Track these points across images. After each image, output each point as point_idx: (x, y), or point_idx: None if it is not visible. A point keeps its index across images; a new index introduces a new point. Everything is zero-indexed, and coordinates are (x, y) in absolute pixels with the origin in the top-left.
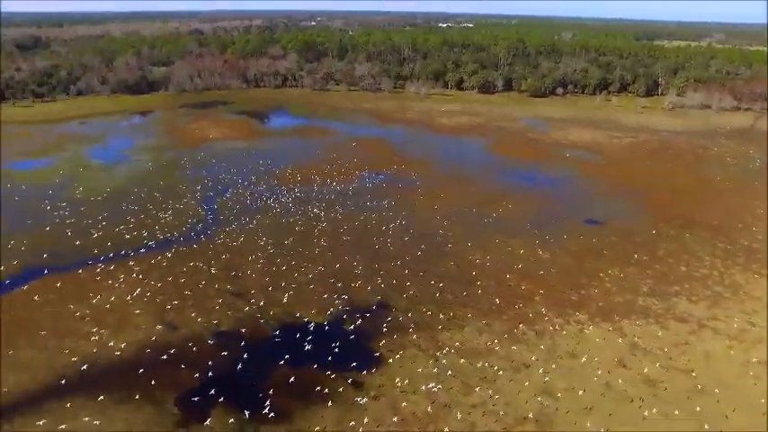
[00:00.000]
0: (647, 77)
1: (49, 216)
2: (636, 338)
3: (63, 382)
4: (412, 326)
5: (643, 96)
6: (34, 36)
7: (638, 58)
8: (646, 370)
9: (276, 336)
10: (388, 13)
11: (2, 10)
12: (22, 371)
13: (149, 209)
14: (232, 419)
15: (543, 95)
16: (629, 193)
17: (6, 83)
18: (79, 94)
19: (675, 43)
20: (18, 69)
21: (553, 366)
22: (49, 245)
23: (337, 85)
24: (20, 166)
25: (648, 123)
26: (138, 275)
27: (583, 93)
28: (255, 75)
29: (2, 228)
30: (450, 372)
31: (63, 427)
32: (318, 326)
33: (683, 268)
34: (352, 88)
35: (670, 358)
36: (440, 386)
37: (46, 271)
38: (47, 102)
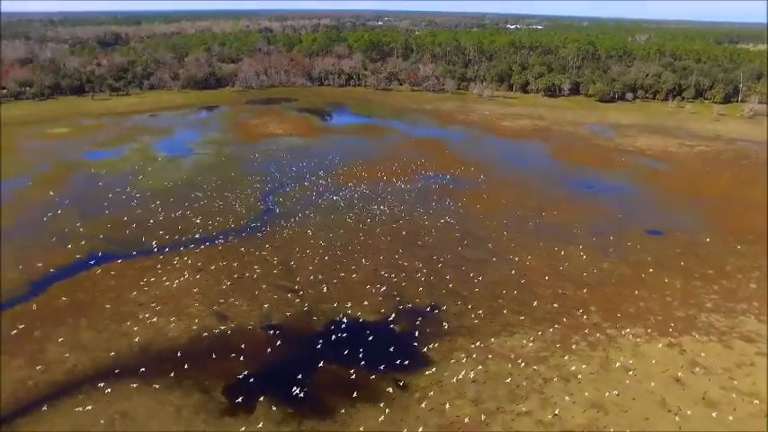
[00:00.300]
0: (727, 83)
1: (115, 204)
2: (696, 356)
3: (119, 364)
4: (461, 329)
5: (720, 103)
6: (115, 33)
7: (717, 62)
8: (705, 390)
9: (325, 331)
10: (456, 13)
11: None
12: (82, 351)
13: (210, 201)
14: (277, 412)
15: (611, 100)
16: (697, 203)
17: (87, 77)
18: (151, 88)
19: (761, 46)
20: (98, 65)
21: (605, 379)
22: (114, 231)
23: (400, 84)
24: (93, 157)
25: (724, 131)
26: (194, 265)
27: (654, 98)
28: (320, 73)
29: (74, 212)
30: (497, 378)
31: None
32: (367, 324)
33: (753, 285)
34: (414, 88)
35: (732, 379)
36: (486, 392)
37: (100, 254)
38: (122, 95)
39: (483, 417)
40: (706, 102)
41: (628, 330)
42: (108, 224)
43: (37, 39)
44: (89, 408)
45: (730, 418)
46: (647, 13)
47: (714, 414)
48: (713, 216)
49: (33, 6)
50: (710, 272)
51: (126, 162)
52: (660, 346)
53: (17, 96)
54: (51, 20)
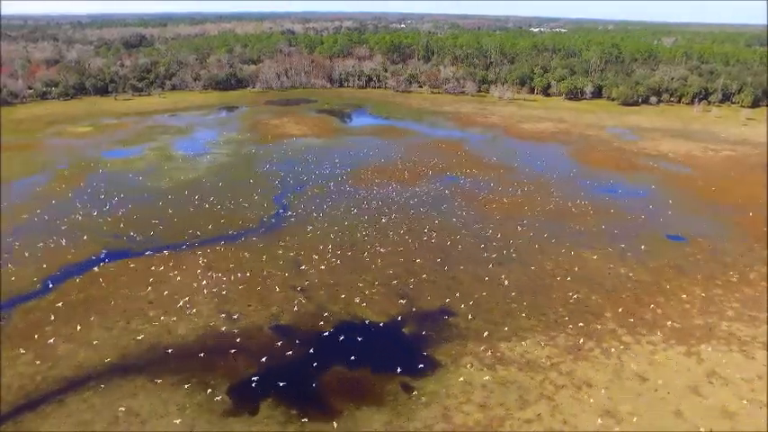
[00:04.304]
0: (756, 87)
1: (130, 202)
2: (715, 365)
3: (126, 361)
4: (472, 333)
5: (749, 107)
6: (140, 35)
7: (746, 65)
8: (723, 400)
9: (333, 334)
10: (480, 16)
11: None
12: (91, 348)
13: (224, 201)
14: (281, 413)
15: (635, 104)
16: (721, 209)
17: (110, 77)
18: (173, 88)
19: None
20: (122, 65)
21: (618, 388)
22: (128, 229)
23: (420, 87)
24: (112, 155)
25: (751, 136)
26: (205, 264)
27: (679, 102)
28: (341, 75)
29: (90, 210)
30: (507, 384)
31: (122, 408)
32: (377, 326)
33: None
34: (434, 91)
35: (753, 390)
36: (495, 398)
37: (114, 251)
38: (143, 96)
39: (491, 423)
40: (733, 105)
41: (644, 337)
42: (122, 222)
43: (64, 40)
44: (94, 404)
45: (751, 430)
46: (677, 15)
47: (732, 426)
48: (738, 222)
49: (62, 8)
50: (733, 279)
51: (144, 161)
52: (677, 354)
53: (43, 96)
54: (80, 22)
